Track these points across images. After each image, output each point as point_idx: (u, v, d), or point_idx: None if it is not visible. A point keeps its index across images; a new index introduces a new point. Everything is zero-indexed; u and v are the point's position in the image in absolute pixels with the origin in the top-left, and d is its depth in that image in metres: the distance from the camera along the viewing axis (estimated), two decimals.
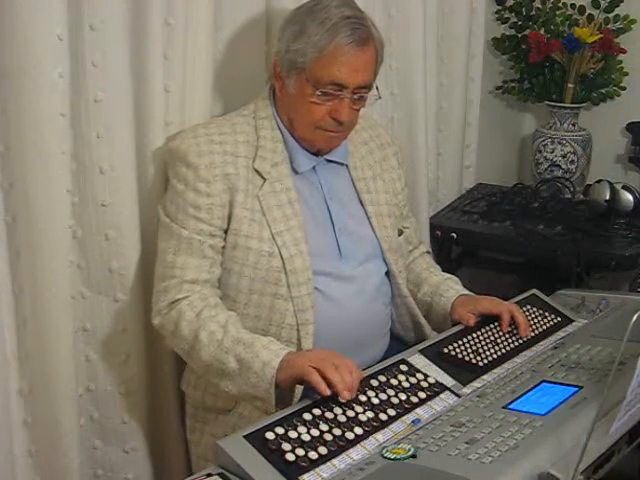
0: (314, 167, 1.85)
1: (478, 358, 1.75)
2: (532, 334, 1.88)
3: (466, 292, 1.98)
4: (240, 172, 1.78)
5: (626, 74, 2.87)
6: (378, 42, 1.78)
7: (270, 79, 1.88)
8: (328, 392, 1.49)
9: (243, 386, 1.62)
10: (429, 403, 1.57)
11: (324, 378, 1.50)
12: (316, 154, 1.85)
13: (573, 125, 2.89)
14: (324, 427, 1.43)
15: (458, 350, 1.75)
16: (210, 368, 1.68)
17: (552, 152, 2.88)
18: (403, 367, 1.65)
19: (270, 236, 1.77)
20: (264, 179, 1.79)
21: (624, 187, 2.61)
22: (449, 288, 1.97)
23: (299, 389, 1.59)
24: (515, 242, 2.57)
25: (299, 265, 1.77)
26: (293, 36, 1.75)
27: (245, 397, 1.66)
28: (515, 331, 1.86)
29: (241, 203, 1.77)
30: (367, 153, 1.97)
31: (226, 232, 1.77)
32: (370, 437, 1.45)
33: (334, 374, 1.50)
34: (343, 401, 1.49)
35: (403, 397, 1.56)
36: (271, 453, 1.35)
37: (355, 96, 1.76)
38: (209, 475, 1.33)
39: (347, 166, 1.91)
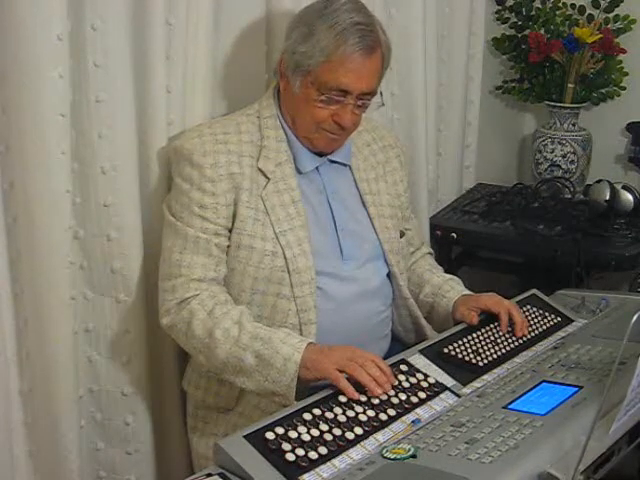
0: (317, 167, 1.86)
1: (478, 358, 1.75)
2: (532, 334, 1.89)
3: (468, 292, 1.98)
4: (245, 171, 1.78)
5: (626, 74, 2.87)
6: (385, 48, 1.79)
7: (275, 77, 1.88)
8: (357, 396, 1.50)
9: (262, 382, 1.63)
10: (429, 403, 1.57)
11: (350, 379, 1.52)
12: (319, 154, 1.85)
13: (573, 125, 2.89)
14: (324, 427, 1.43)
15: (458, 350, 1.75)
16: (226, 366, 1.68)
17: (552, 152, 2.88)
18: (403, 367, 1.65)
19: (274, 236, 1.77)
20: (268, 179, 1.79)
21: (624, 187, 2.61)
22: (451, 288, 1.97)
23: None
24: (515, 242, 2.57)
25: (302, 265, 1.77)
26: (301, 38, 1.75)
27: (263, 392, 1.66)
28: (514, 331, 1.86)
29: (245, 202, 1.77)
30: (370, 154, 1.97)
31: (230, 231, 1.78)
32: (370, 437, 1.45)
33: (363, 375, 1.52)
34: (379, 395, 1.52)
35: (403, 397, 1.56)
36: (271, 453, 1.35)
37: (359, 102, 1.76)
38: (209, 475, 1.34)
39: (350, 167, 1.91)
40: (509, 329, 1.85)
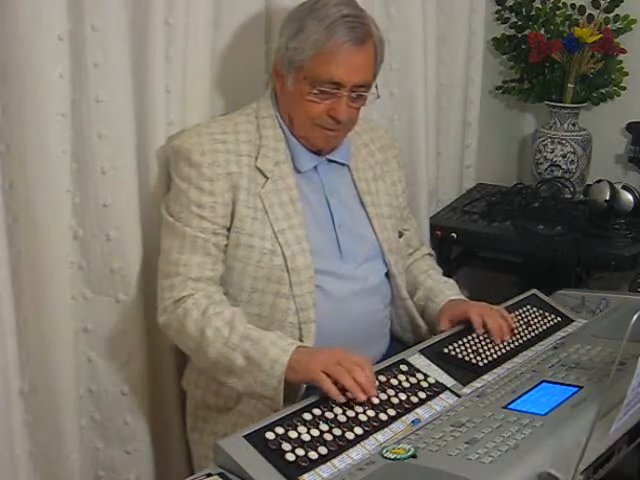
0: (316, 167, 1.86)
1: (478, 358, 1.75)
2: (532, 334, 1.89)
3: (456, 297, 1.96)
4: (243, 170, 1.78)
5: (626, 74, 2.87)
6: (377, 40, 1.79)
7: (271, 78, 1.89)
8: (342, 399, 1.50)
9: (251, 383, 1.62)
10: (429, 403, 1.57)
11: (337, 383, 1.51)
12: (318, 153, 1.85)
13: (573, 125, 2.89)
14: (324, 427, 1.43)
15: (458, 350, 1.75)
16: (217, 365, 1.68)
17: (552, 152, 2.88)
18: (403, 367, 1.65)
19: (272, 234, 1.77)
20: (266, 178, 1.79)
21: (624, 187, 2.61)
22: (440, 293, 1.96)
23: (303, 386, 1.60)
24: (515, 242, 2.57)
25: (301, 263, 1.77)
26: (292, 34, 1.76)
27: (252, 394, 1.66)
28: (515, 332, 1.85)
29: (243, 201, 1.77)
30: (368, 155, 1.97)
31: (229, 230, 1.78)
32: (370, 437, 1.45)
33: (347, 379, 1.50)
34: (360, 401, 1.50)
35: (403, 397, 1.56)
36: (271, 453, 1.35)
37: (353, 94, 1.76)
38: (209, 475, 1.34)
39: (348, 167, 1.91)
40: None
